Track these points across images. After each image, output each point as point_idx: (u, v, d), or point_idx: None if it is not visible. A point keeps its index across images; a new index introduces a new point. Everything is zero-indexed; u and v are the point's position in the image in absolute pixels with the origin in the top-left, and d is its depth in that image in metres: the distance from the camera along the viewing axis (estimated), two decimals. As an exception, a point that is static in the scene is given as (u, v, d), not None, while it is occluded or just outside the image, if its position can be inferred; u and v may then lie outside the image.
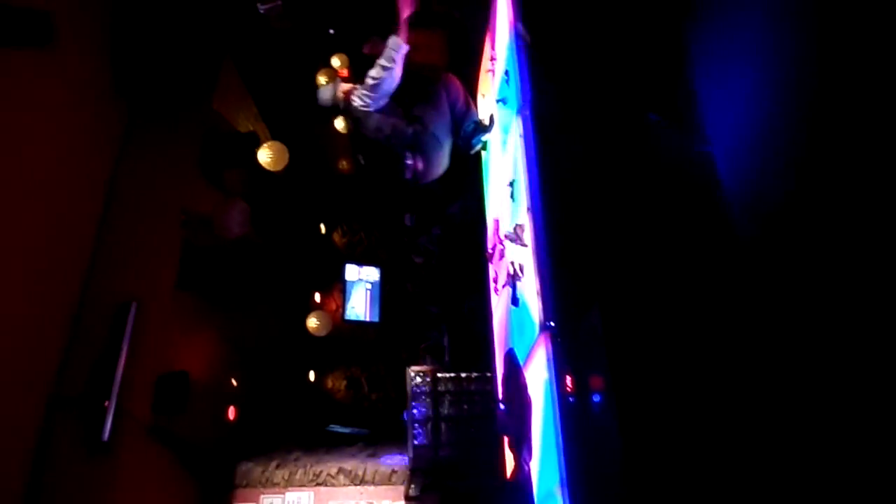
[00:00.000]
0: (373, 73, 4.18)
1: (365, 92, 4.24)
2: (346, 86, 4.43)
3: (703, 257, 3.03)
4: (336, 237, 8.81)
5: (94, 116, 5.45)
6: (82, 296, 5.19)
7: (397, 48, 4.08)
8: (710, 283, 2.88)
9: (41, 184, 4.78)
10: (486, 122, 4.48)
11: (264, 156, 6.57)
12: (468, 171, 5.47)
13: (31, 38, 4.47)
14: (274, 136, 7.40)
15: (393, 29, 5.74)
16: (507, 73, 3.96)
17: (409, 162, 4.33)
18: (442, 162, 4.56)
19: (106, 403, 4.76)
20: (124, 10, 5.77)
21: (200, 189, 6.17)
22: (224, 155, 6.48)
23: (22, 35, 4.43)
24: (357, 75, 8.64)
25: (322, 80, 8.48)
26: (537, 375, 3.08)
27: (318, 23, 7.78)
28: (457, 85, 4.69)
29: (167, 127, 5.97)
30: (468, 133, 4.54)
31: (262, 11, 6.61)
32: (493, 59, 4.46)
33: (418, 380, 5.38)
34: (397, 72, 4.12)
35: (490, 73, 4.58)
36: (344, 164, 8.99)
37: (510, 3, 3.95)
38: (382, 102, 4.23)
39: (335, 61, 8.49)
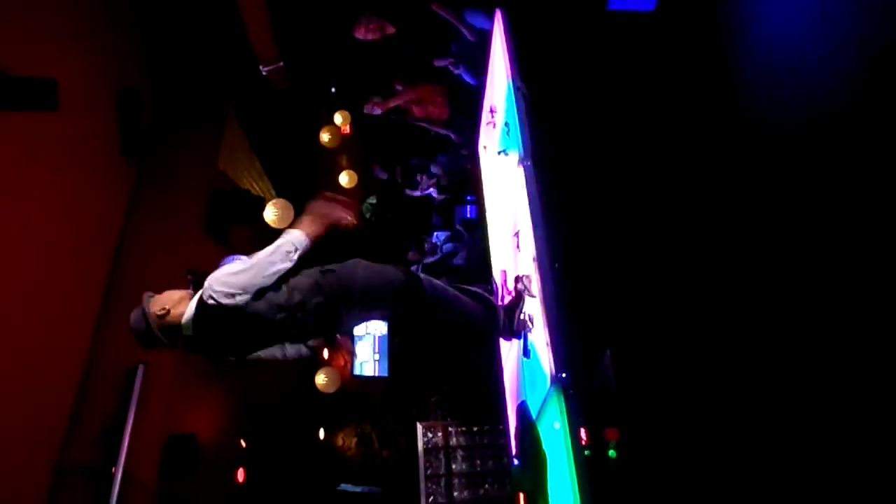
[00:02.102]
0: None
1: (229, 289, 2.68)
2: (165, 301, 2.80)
3: (714, 301, 2.99)
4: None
5: (100, 178, 5.51)
6: (89, 359, 5.16)
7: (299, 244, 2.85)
8: (722, 328, 2.84)
9: (48, 246, 4.81)
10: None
11: (270, 214, 6.60)
12: (473, 222, 5.49)
13: (38, 104, 4.56)
14: (278, 193, 7.46)
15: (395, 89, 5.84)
16: (507, 124, 3.99)
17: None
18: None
19: (113, 470, 4.70)
20: (130, 74, 5.89)
21: (207, 248, 6.19)
22: (230, 213, 6.52)
23: (29, 101, 4.51)
24: (357, 131, 8.80)
25: (325, 137, 8.61)
26: (551, 429, 3.02)
27: (320, 81, 7.93)
28: None
29: (173, 187, 6.03)
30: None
31: (264, 73, 6.74)
32: (492, 111, 4.51)
33: (429, 435, 5.29)
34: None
35: (491, 126, 4.62)
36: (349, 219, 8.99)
37: (507, 56, 4.01)
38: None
39: (337, 118, 8.63)
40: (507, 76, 3.94)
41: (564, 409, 2.86)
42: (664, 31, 3.86)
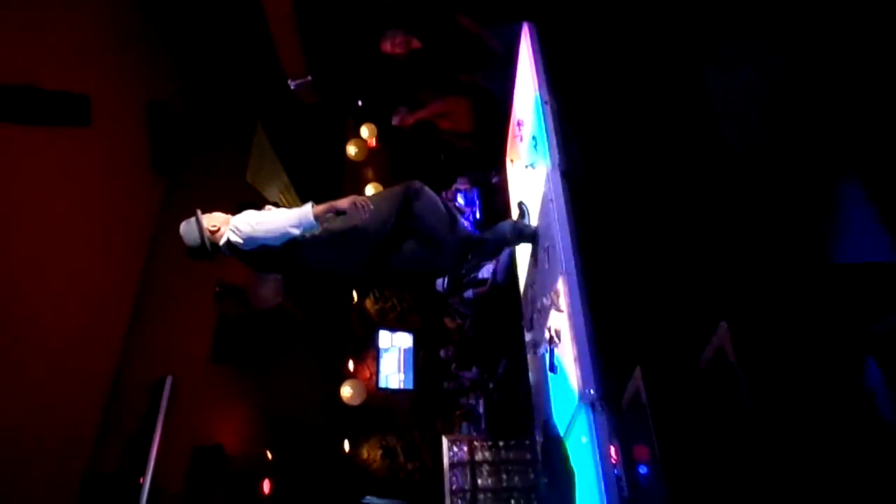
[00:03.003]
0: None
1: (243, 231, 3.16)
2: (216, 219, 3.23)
3: (747, 313, 2.93)
4: (368, 304, 8.80)
5: (130, 192, 5.59)
6: (119, 370, 5.22)
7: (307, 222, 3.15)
8: (756, 342, 2.78)
9: (79, 259, 4.88)
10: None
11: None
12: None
13: (71, 119, 4.64)
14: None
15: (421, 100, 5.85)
16: (534, 138, 3.98)
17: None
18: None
19: (141, 480, 4.73)
20: (160, 89, 5.98)
21: (234, 260, 6.24)
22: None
23: (62, 116, 4.60)
24: (385, 144, 8.85)
25: (352, 150, 8.66)
26: (579, 445, 2.98)
27: (347, 95, 7.97)
28: None
29: (202, 200, 6.08)
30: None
31: (292, 87, 6.79)
32: (519, 124, 4.50)
33: (455, 449, 5.24)
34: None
35: (517, 139, 4.61)
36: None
37: (535, 69, 4.00)
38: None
39: (364, 131, 8.68)
40: (535, 89, 3.94)
41: (593, 426, 2.82)
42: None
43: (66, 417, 4.64)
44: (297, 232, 3.15)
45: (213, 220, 3.19)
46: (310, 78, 6.82)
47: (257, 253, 3.20)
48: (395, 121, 5.85)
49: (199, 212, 3.19)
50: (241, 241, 3.14)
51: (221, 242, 3.19)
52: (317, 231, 3.21)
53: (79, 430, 4.79)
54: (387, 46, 5.66)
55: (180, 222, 3.20)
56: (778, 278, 2.71)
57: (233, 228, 3.15)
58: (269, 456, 6.51)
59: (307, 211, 3.16)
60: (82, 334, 4.84)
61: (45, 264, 4.49)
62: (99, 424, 4.95)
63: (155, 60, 6.02)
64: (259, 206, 3.42)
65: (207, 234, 3.16)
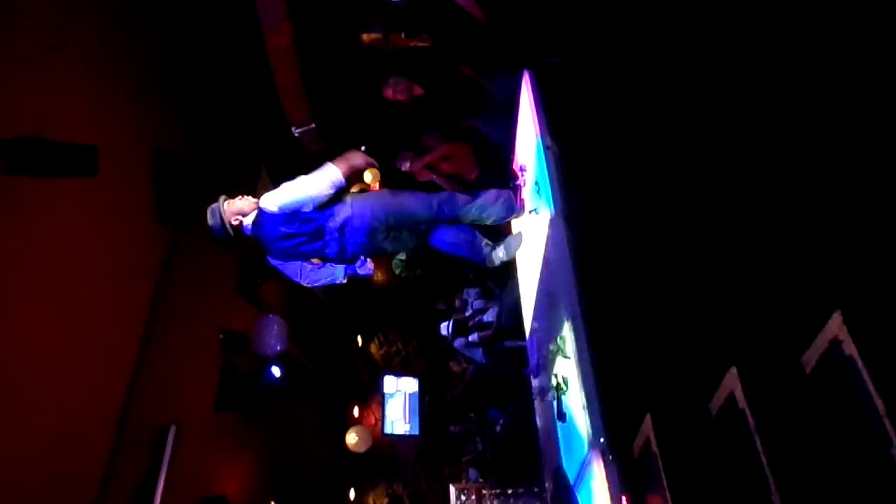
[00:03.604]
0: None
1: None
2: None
3: (756, 358, 2.90)
4: (373, 349, 8.76)
5: (135, 240, 5.61)
6: (122, 419, 5.17)
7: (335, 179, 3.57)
8: (767, 388, 2.75)
9: (83, 307, 4.86)
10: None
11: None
12: (505, 277, 5.45)
13: (78, 169, 4.67)
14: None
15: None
16: (537, 183, 4.00)
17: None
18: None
19: (144, 534, 4.65)
20: (166, 137, 6.05)
21: (239, 307, 6.24)
22: (261, 273, 6.58)
23: (69, 167, 4.63)
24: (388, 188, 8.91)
25: (354, 190, 8.70)
26: (590, 495, 2.93)
27: (351, 141, 8.04)
28: None
29: (206, 248, 6.11)
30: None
31: (296, 135, 6.87)
32: (522, 170, 4.53)
33: (462, 498, 5.16)
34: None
35: (521, 185, 4.64)
36: (378, 276, 9.06)
37: (536, 115, 4.05)
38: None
39: (367, 175, 8.74)
40: (536, 134, 3.97)
41: (604, 476, 2.77)
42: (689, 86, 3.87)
43: (69, 469, 4.57)
44: (331, 191, 3.52)
45: (235, 204, 3.56)
46: (314, 125, 6.91)
47: (284, 230, 3.49)
48: (404, 167, 5.90)
49: (222, 197, 3.56)
50: (275, 208, 3.41)
51: (247, 222, 3.53)
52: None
53: (81, 483, 4.72)
54: (389, 93, 5.75)
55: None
56: (787, 322, 2.69)
57: (265, 202, 3.44)
58: (274, 506, 6.42)
59: (334, 171, 3.55)
60: (86, 385, 4.80)
61: (50, 313, 4.48)
62: (102, 476, 4.88)
63: (161, 108, 6.09)
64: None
65: (228, 216, 3.52)
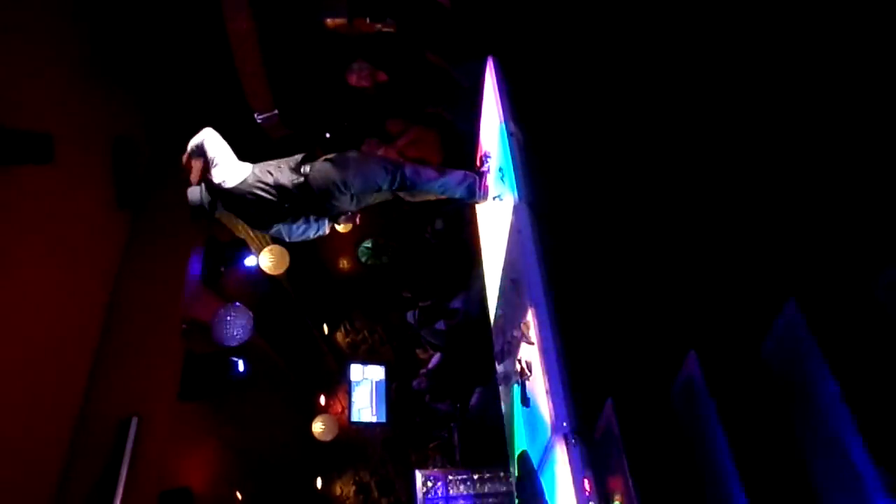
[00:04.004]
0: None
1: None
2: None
3: (715, 342, 2.96)
4: (339, 337, 8.73)
5: (94, 230, 5.48)
6: (82, 412, 5.07)
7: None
8: (727, 372, 2.81)
9: (41, 297, 4.75)
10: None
11: (265, 260, 6.59)
12: (470, 265, 5.46)
13: (33, 157, 4.56)
14: (274, 240, 7.45)
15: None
16: (501, 170, 4.00)
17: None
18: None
19: (106, 527, 4.58)
20: (125, 124, 5.92)
21: (202, 297, 6.15)
22: (224, 261, 6.50)
23: (24, 155, 4.51)
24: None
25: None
26: (553, 479, 2.96)
27: (315, 127, 7.96)
28: None
29: (168, 237, 6.01)
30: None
31: (259, 121, 6.77)
32: (486, 156, 4.52)
33: (429, 484, 5.18)
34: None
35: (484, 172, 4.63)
36: (344, 264, 9.02)
37: (500, 101, 4.04)
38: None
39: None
40: (500, 121, 3.97)
41: (567, 459, 2.80)
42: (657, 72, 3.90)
43: (27, 462, 4.48)
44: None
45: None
46: (276, 112, 6.81)
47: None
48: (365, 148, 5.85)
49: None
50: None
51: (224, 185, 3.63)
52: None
53: (40, 476, 4.63)
54: (353, 78, 5.69)
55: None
56: (745, 308, 2.74)
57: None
58: (240, 496, 6.37)
59: None
60: (43, 378, 4.69)
61: (5, 304, 4.37)
62: (61, 469, 4.79)
63: (120, 95, 5.95)
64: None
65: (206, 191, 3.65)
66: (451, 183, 3.99)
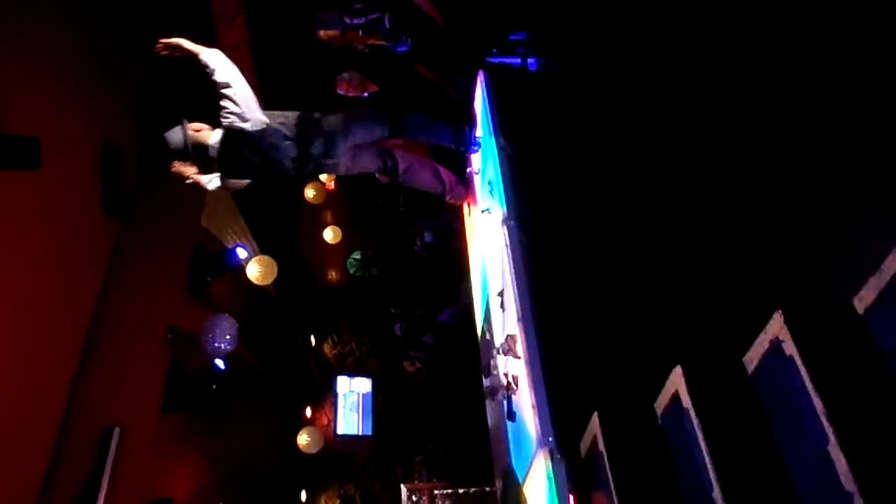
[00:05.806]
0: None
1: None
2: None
3: (702, 357, 2.96)
4: (326, 349, 8.69)
5: (81, 238, 5.43)
6: (64, 422, 5.01)
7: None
8: (716, 392, 2.80)
9: (25, 304, 4.70)
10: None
11: (253, 270, 6.56)
12: (458, 278, 5.45)
13: (19, 162, 4.52)
14: (262, 250, 7.42)
15: None
16: (490, 183, 4.02)
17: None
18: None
19: (86, 539, 4.52)
20: (114, 132, 5.89)
21: (189, 306, 6.11)
22: (212, 271, 6.47)
23: (10, 160, 4.48)
24: (343, 187, 8.84)
25: (310, 193, 8.62)
26: (538, 494, 2.94)
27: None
28: None
29: (156, 245, 5.97)
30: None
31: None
32: (475, 170, 4.54)
33: (414, 498, 5.15)
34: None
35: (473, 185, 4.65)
36: (332, 276, 9.00)
37: (490, 116, 4.06)
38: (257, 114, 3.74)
39: (322, 174, 8.68)
40: (490, 135, 3.99)
41: (552, 474, 2.79)
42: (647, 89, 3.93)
43: (6, 473, 4.41)
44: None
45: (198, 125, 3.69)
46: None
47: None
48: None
49: (185, 120, 3.67)
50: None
51: (211, 142, 3.65)
52: None
53: (20, 487, 4.56)
54: (342, 87, 5.71)
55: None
56: (730, 323, 2.74)
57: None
58: (223, 509, 6.31)
59: None
60: (24, 387, 4.63)
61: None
62: (42, 480, 4.72)
63: (109, 103, 5.93)
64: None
65: (191, 132, 3.65)
66: (442, 128, 4.18)
